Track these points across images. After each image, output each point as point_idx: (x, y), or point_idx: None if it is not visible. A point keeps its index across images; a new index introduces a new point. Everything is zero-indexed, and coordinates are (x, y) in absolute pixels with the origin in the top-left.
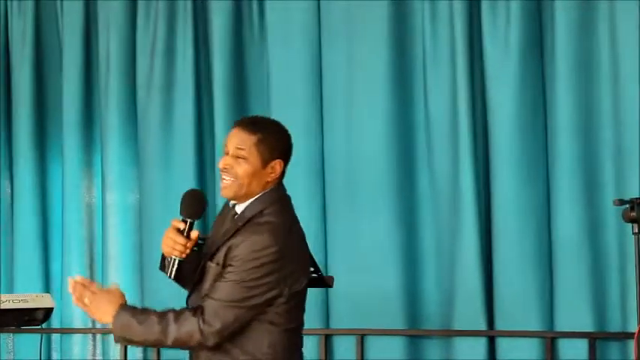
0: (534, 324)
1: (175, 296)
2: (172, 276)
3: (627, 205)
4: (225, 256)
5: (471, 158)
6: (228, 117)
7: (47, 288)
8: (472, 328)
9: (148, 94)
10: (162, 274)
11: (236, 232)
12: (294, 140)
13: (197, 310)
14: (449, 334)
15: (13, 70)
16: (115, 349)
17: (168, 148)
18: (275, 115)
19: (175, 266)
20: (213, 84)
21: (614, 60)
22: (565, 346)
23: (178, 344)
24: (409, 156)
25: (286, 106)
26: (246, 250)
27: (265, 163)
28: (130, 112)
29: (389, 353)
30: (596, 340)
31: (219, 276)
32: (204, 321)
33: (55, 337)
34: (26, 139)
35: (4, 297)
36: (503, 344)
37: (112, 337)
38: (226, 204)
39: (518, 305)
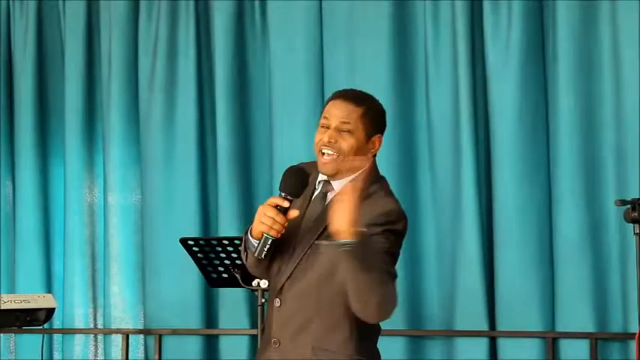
0: (536, 324)
1: (177, 296)
2: (264, 255)
3: (629, 206)
4: (361, 233)
5: (472, 159)
6: (230, 117)
7: (49, 288)
8: (474, 329)
9: (150, 94)
10: (163, 271)
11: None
12: (296, 140)
13: (389, 275)
14: (450, 334)
15: (15, 70)
16: (117, 350)
17: (170, 149)
18: (276, 115)
19: (268, 246)
20: (215, 84)
21: (615, 61)
22: (566, 347)
23: (385, 310)
24: (411, 156)
25: (288, 105)
26: (379, 214)
27: (369, 137)
28: (132, 113)
29: (390, 354)
30: (598, 340)
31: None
32: (394, 286)
33: (57, 338)
34: (28, 139)
35: (6, 297)
36: (504, 345)
37: (112, 337)
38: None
39: (519, 306)
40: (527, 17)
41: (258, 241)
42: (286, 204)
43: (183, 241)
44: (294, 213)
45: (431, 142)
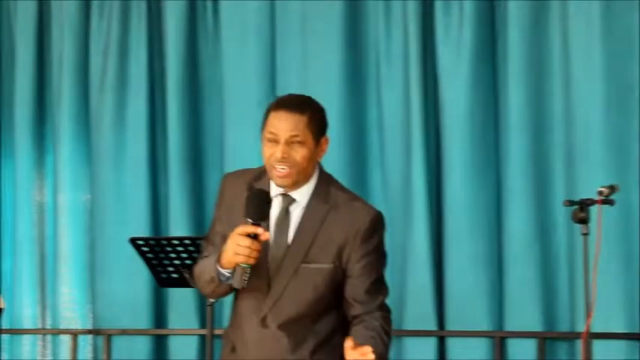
0: (484, 324)
1: (126, 296)
2: (244, 285)
3: (576, 206)
4: (340, 251)
5: (423, 158)
6: (181, 116)
7: None
8: (422, 328)
9: (100, 93)
10: (113, 271)
11: (324, 225)
12: (247, 140)
13: (380, 308)
14: (399, 334)
15: None
16: (65, 350)
17: (120, 148)
18: (228, 115)
19: (248, 274)
20: (166, 83)
21: (565, 61)
22: (514, 346)
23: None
24: (362, 155)
25: (240, 105)
26: (365, 229)
27: (317, 141)
28: (82, 112)
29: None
30: (545, 339)
31: (338, 273)
32: (389, 311)
33: (5, 338)
34: None
35: None
36: (453, 344)
37: (61, 337)
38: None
39: (468, 305)
40: (479, 17)
41: (229, 271)
42: (260, 231)
43: (133, 241)
44: (265, 236)
45: (382, 141)
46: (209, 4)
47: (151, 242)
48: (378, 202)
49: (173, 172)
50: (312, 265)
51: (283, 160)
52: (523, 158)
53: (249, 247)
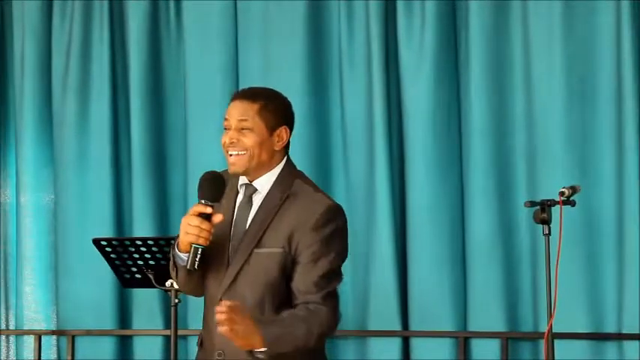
0: (448, 324)
1: (90, 296)
2: (196, 266)
3: (538, 207)
4: (290, 237)
5: (386, 159)
6: (145, 117)
7: None
8: (387, 329)
9: (63, 94)
10: (77, 271)
11: (279, 211)
12: (210, 141)
13: (324, 300)
14: (363, 334)
15: None
16: (29, 351)
17: (83, 149)
18: (192, 116)
19: (199, 255)
20: (129, 84)
21: (526, 62)
22: (478, 346)
23: (323, 338)
24: (325, 156)
25: (203, 105)
26: (317, 218)
27: (271, 130)
28: (45, 113)
29: None
30: (509, 339)
31: (288, 260)
32: (332, 306)
33: None
34: None
35: None
36: (417, 344)
37: (24, 338)
38: (231, 183)
39: (432, 306)
40: (441, 18)
41: (187, 254)
42: (209, 210)
43: (96, 242)
44: (218, 217)
45: (345, 142)
46: (172, 5)
47: (114, 243)
48: (342, 203)
49: (136, 172)
50: (264, 250)
51: (232, 144)
52: (485, 159)
53: (199, 227)
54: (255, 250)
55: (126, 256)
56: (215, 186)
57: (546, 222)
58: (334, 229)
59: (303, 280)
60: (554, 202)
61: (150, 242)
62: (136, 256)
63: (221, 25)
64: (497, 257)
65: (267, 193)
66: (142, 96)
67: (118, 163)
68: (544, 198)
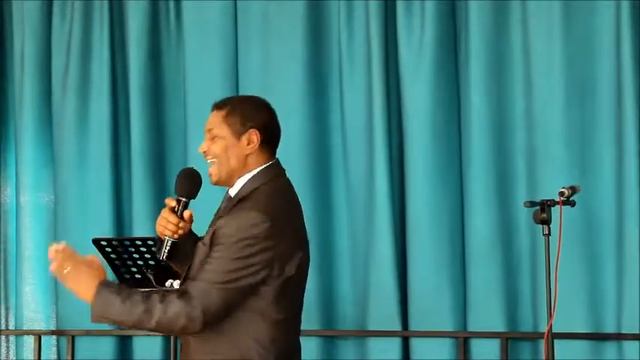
0: (448, 324)
1: None
2: (164, 257)
3: (538, 207)
4: (213, 235)
5: (385, 159)
6: (144, 117)
7: None
8: (386, 329)
9: (63, 94)
10: None
11: (227, 213)
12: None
13: (183, 293)
14: (363, 334)
15: None
16: (29, 351)
17: (83, 149)
18: (191, 116)
19: (168, 247)
20: (129, 84)
21: (526, 61)
22: (477, 346)
23: (161, 328)
24: (325, 157)
25: (203, 106)
26: (233, 227)
27: (238, 134)
28: (45, 113)
29: (303, 354)
30: (508, 340)
31: (205, 257)
32: (190, 304)
33: None
34: None
35: None
36: (417, 345)
37: (24, 338)
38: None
39: (431, 306)
40: (440, 18)
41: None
42: (173, 203)
43: (96, 242)
44: (187, 213)
45: (345, 142)
46: (171, 5)
47: (114, 243)
48: (342, 203)
49: (136, 172)
50: (201, 245)
51: (204, 153)
52: (485, 159)
53: (166, 219)
54: (199, 244)
55: (126, 256)
56: (188, 181)
57: (546, 222)
58: (233, 244)
59: (193, 273)
60: (554, 202)
61: (150, 242)
62: (136, 256)
63: (221, 25)
64: (496, 257)
65: (232, 197)
66: (142, 96)
67: (118, 163)
68: (544, 198)
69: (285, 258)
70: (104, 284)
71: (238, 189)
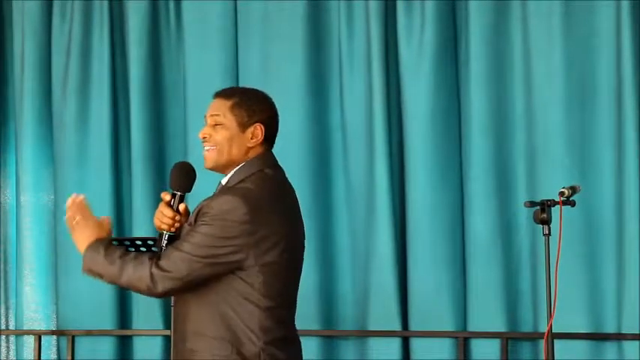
0: (448, 324)
1: (90, 297)
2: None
3: (538, 207)
4: (196, 215)
5: (386, 159)
6: (144, 117)
7: None
8: (387, 329)
9: (63, 94)
10: (77, 271)
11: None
12: None
13: (155, 257)
14: (363, 334)
15: None
16: (29, 351)
17: (83, 149)
18: (191, 116)
19: (165, 240)
20: (129, 84)
21: (526, 62)
22: (478, 346)
23: (130, 286)
24: (325, 157)
25: (203, 106)
26: (215, 208)
27: (244, 127)
28: (45, 113)
29: (303, 354)
30: (508, 340)
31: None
32: (157, 266)
33: None
34: None
35: None
36: (417, 344)
37: (24, 338)
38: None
39: (432, 306)
40: (440, 18)
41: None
42: (168, 197)
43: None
44: (182, 206)
45: (345, 142)
46: (171, 5)
47: (114, 243)
48: (342, 203)
49: (136, 172)
50: (186, 226)
51: (204, 139)
52: (485, 159)
53: (162, 213)
54: (184, 225)
55: None
56: (181, 175)
57: (546, 222)
58: (212, 223)
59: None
60: (554, 203)
61: (150, 242)
62: None
63: (221, 25)
64: (496, 257)
65: (223, 186)
66: (142, 96)
67: (118, 163)
68: (544, 198)
69: (264, 245)
70: (100, 240)
71: (229, 177)
